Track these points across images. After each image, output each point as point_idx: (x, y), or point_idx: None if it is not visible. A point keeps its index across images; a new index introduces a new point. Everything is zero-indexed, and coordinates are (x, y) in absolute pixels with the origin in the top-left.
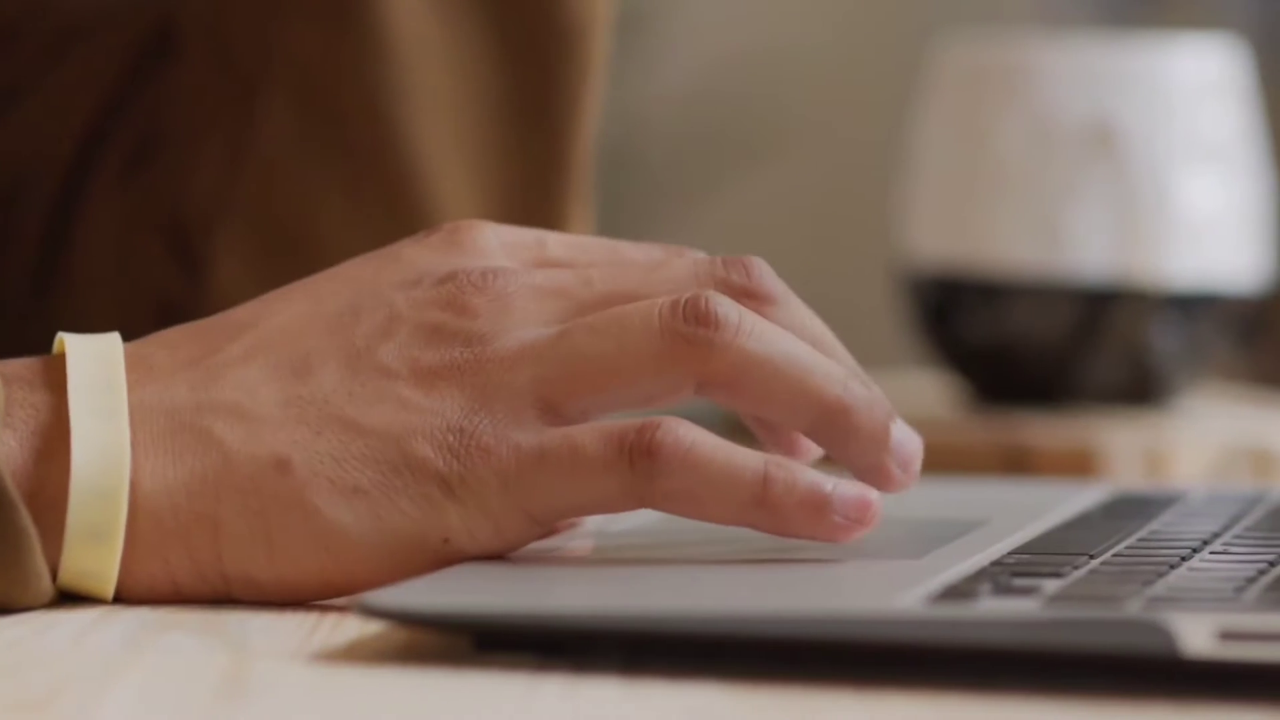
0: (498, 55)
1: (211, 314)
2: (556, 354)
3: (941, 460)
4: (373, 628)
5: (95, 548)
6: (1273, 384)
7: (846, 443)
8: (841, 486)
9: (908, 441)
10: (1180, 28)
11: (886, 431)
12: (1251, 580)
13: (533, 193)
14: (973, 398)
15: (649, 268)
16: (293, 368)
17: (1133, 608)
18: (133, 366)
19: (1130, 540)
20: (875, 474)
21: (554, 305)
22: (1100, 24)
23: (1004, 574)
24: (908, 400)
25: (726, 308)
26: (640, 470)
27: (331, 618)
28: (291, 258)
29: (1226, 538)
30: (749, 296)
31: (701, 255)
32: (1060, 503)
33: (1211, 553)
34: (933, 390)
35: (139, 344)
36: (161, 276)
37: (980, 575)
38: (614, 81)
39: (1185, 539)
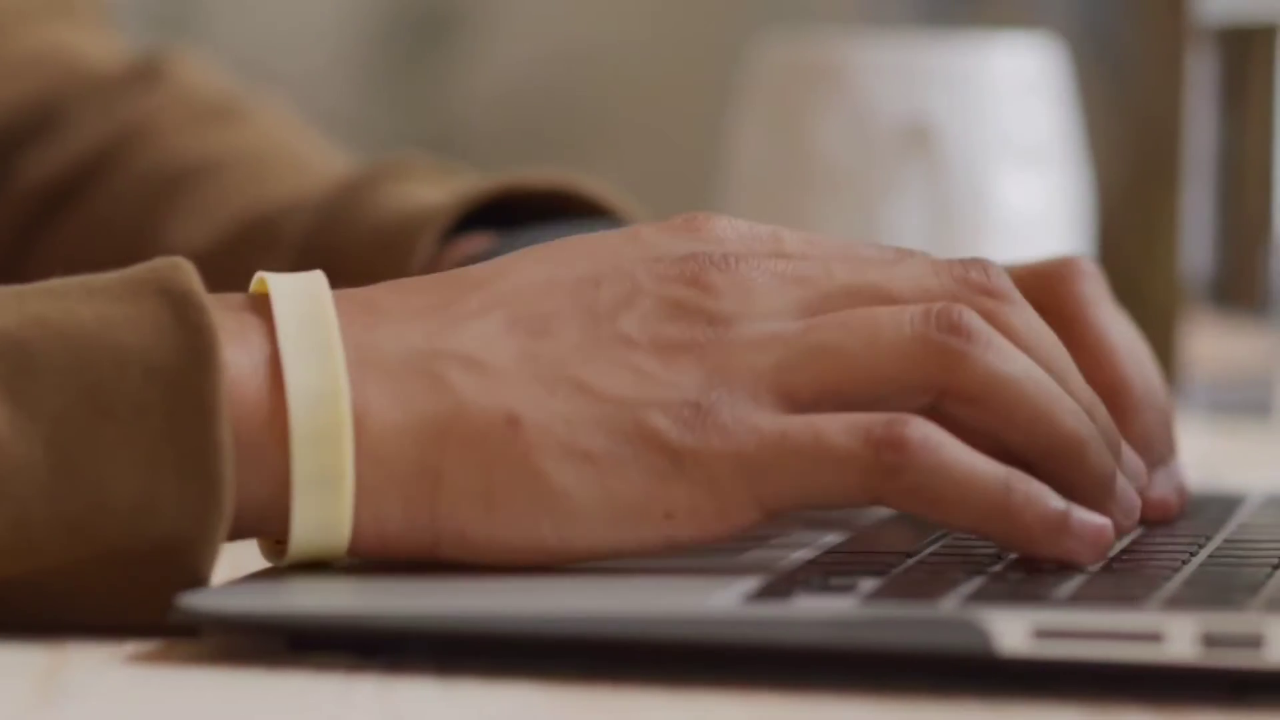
0: None
1: None
2: (804, 343)
3: None
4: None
5: (321, 494)
6: None
7: (1074, 478)
8: (1079, 509)
9: (1129, 492)
10: (998, 26)
11: (1114, 473)
12: (1066, 578)
13: None
14: None
15: (887, 263)
16: (531, 326)
17: (948, 606)
18: (360, 308)
19: (948, 539)
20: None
21: (796, 293)
22: (919, 23)
23: (821, 572)
24: None
25: (979, 322)
26: (885, 465)
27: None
28: None
29: None
30: (988, 295)
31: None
32: None
33: None
34: None
35: (366, 289)
36: None
37: (797, 574)
38: (433, 80)
39: None
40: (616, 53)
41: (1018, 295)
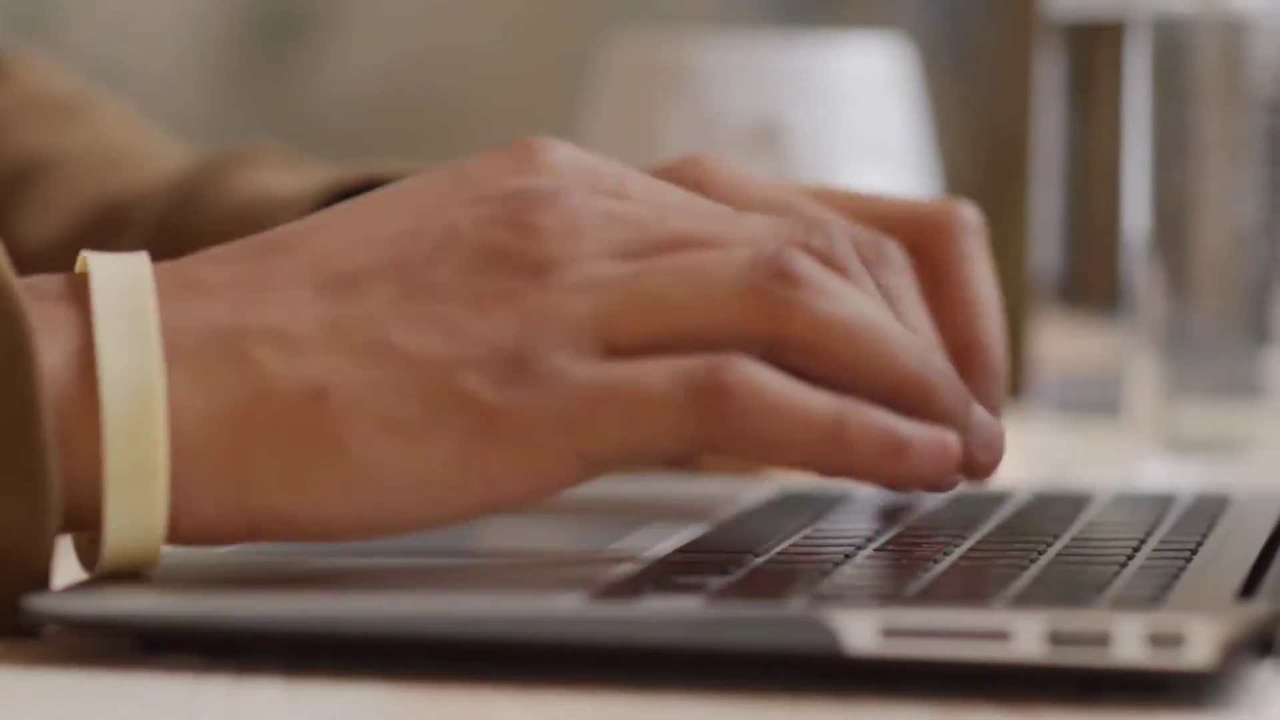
0: None
1: None
2: (627, 289)
3: None
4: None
5: (135, 491)
6: None
7: (926, 419)
8: (921, 429)
9: (989, 423)
10: (849, 27)
11: (967, 410)
12: (914, 577)
13: None
14: None
15: (726, 217)
16: (340, 288)
17: (796, 605)
18: (176, 285)
19: (795, 538)
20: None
21: (626, 235)
22: (772, 23)
23: (668, 572)
24: None
25: (808, 267)
26: (708, 411)
27: None
28: None
29: (890, 535)
30: (828, 263)
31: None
32: (727, 500)
33: (875, 550)
34: None
35: (187, 260)
36: None
37: (645, 573)
38: (285, 79)
39: (850, 536)
40: (468, 52)
41: (857, 266)
